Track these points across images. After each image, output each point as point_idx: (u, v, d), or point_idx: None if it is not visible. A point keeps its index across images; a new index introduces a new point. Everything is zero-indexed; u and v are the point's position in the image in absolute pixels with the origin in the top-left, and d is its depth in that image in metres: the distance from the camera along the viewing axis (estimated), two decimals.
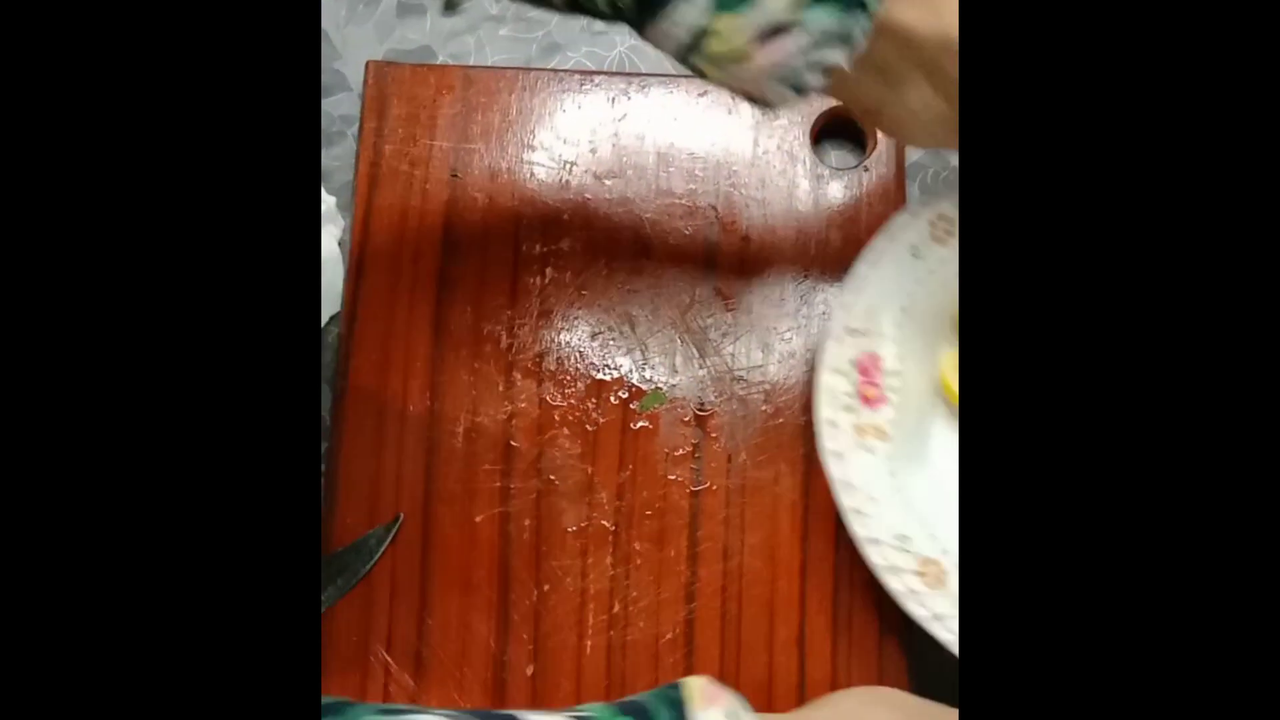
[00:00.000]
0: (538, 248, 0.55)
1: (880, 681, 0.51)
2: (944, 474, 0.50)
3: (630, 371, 0.54)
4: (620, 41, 0.60)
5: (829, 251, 0.55)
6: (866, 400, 0.48)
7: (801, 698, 0.51)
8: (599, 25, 0.60)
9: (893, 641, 0.51)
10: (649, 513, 0.52)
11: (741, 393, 0.53)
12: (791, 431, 0.52)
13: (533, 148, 0.57)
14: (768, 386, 0.53)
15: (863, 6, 0.38)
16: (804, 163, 0.55)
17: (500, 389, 0.54)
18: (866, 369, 0.49)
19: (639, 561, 0.52)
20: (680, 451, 0.52)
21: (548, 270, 0.55)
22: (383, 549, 0.52)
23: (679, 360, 0.53)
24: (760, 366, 0.53)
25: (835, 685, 0.51)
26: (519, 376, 0.54)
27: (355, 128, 0.58)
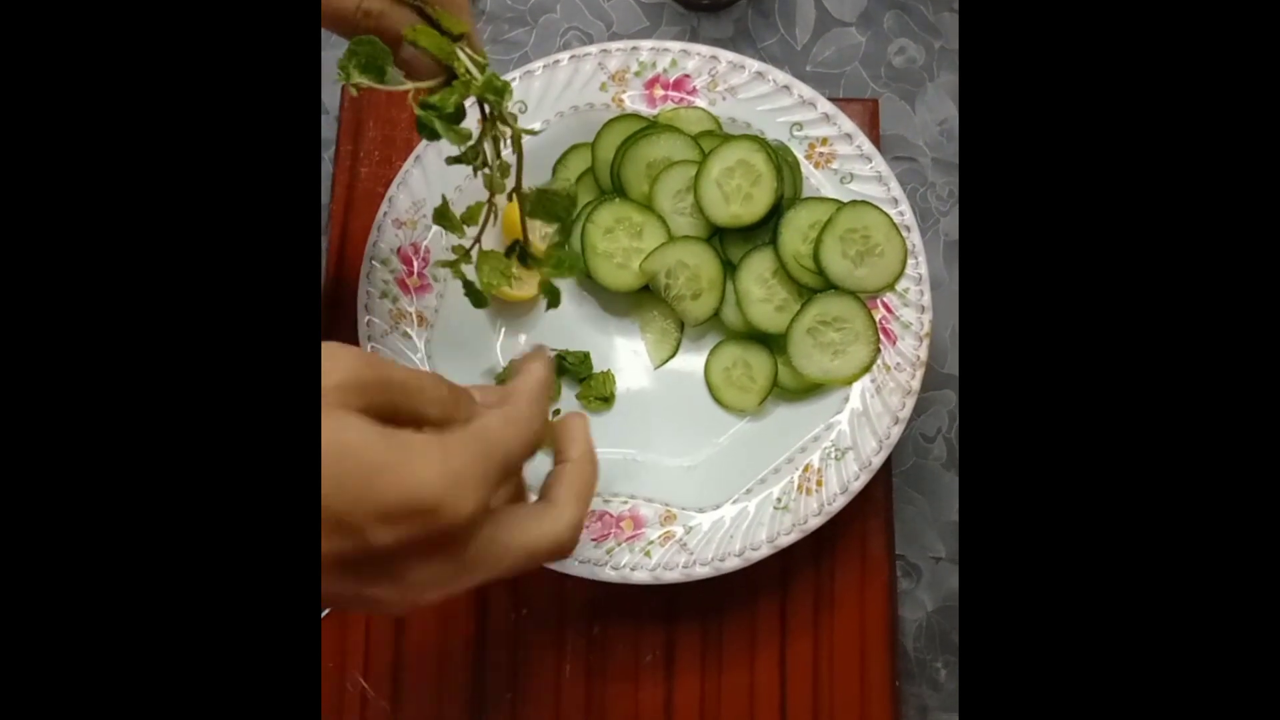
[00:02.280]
0: None
1: None
2: (486, 363, 0.52)
3: None
4: None
5: None
6: (408, 288, 0.50)
7: None
8: (575, 46, 0.60)
9: None
10: None
11: None
12: None
13: None
14: None
15: None
16: None
17: None
18: (409, 258, 0.50)
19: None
20: None
21: None
22: None
23: None
24: None
25: None
26: None
27: (331, 151, 0.58)
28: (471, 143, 0.38)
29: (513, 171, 0.41)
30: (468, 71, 0.37)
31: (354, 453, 0.28)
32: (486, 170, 0.40)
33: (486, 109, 0.39)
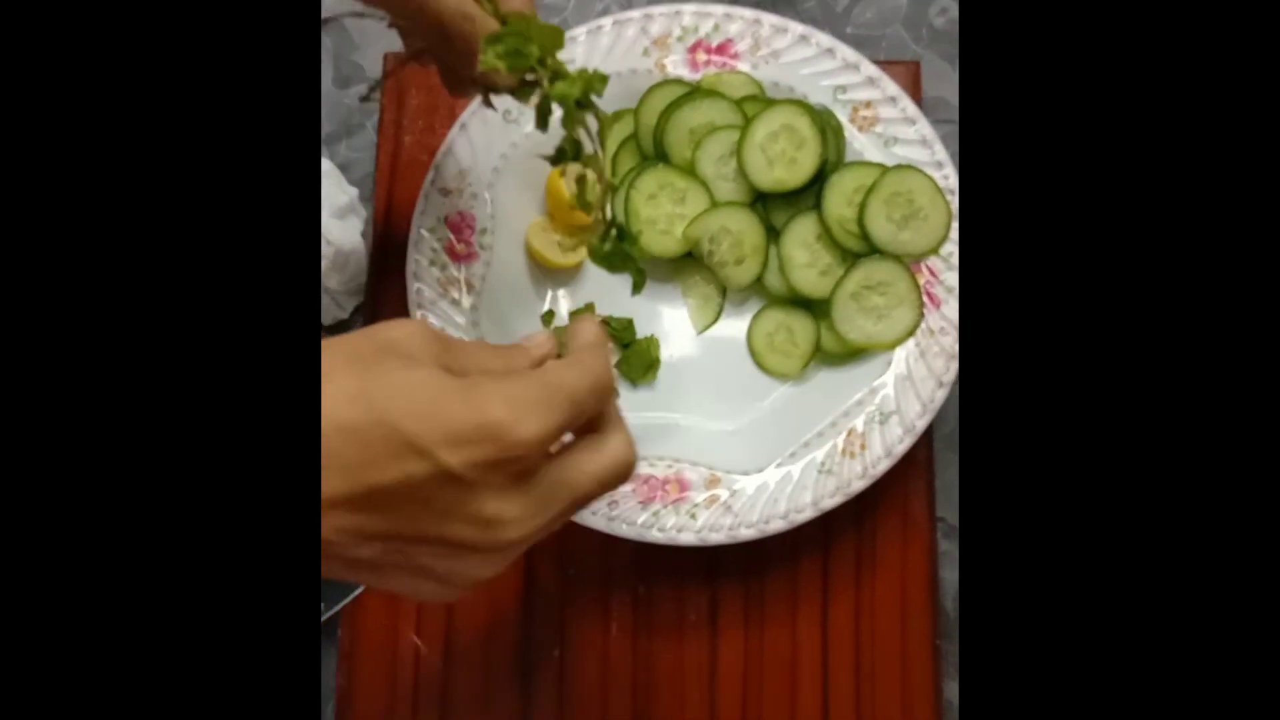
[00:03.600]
0: None
1: None
2: (531, 329, 0.51)
3: None
4: None
5: None
6: (456, 256, 0.51)
7: None
8: (615, 10, 0.60)
9: None
10: None
11: None
12: None
13: None
14: None
15: None
16: None
17: None
18: (457, 226, 0.51)
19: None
20: None
21: None
22: None
23: None
24: None
25: None
26: None
27: (374, 119, 0.58)
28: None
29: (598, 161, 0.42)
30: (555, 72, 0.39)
31: (423, 385, 0.29)
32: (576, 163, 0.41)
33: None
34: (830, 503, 0.49)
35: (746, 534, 0.49)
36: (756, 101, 0.52)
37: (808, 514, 0.49)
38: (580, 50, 0.53)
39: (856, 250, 0.51)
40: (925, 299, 0.50)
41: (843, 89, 0.52)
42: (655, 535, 0.49)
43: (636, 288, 0.44)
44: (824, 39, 0.52)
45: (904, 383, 0.50)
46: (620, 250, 0.42)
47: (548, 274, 0.54)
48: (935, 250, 0.51)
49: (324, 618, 0.52)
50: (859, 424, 0.50)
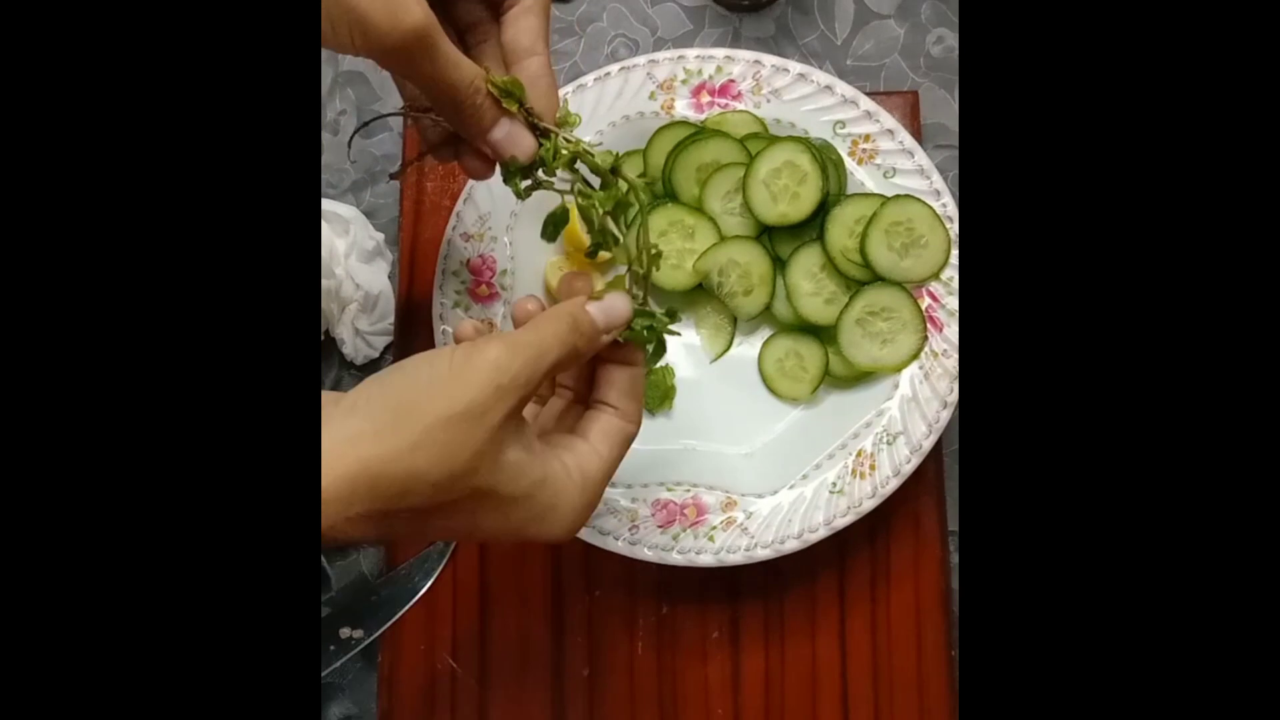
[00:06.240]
0: None
1: None
2: None
3: None
4: None
5: None
6: (478, 298, 0.55)
7: None
8: (623, 55, 0.62)
9: None
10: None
11: None
12: None
13: None
14: None
15: None
16: None
17: None
18: (479, 269, 0.54)
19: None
20: None
21: None
22: (443, 563, 0.56)
23: None
24: None
25: None
26: None
27: (397, 167, 0.61)
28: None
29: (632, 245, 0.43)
30: (560, 146, 0.41)
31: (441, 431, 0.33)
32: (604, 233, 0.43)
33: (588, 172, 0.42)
34: (842, 522, 0.51)
35: (763, 554, 0.51)
36: (759, 139, 0.54)
37: (821, 533, 0.51)
38: (590, 95, 0.55)
39: (860, 278, 0.53)
40: (928, 323, 0.52)
41: (842, 124, 0.54)
42: (675, 558, 0.51)
43: (655, 356, 0.43)
44: (822, 76, 0.54)
45: (910, 404, 0.52)
46: (646, 317, 0.42)
47: None
48: (936, 276, 0.53)
49: (363, 644, 0.54)
50: (868, 445, 0.52)
